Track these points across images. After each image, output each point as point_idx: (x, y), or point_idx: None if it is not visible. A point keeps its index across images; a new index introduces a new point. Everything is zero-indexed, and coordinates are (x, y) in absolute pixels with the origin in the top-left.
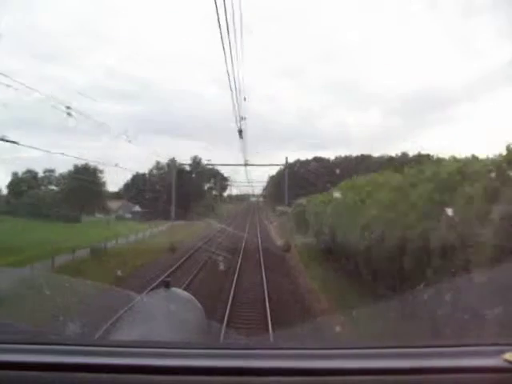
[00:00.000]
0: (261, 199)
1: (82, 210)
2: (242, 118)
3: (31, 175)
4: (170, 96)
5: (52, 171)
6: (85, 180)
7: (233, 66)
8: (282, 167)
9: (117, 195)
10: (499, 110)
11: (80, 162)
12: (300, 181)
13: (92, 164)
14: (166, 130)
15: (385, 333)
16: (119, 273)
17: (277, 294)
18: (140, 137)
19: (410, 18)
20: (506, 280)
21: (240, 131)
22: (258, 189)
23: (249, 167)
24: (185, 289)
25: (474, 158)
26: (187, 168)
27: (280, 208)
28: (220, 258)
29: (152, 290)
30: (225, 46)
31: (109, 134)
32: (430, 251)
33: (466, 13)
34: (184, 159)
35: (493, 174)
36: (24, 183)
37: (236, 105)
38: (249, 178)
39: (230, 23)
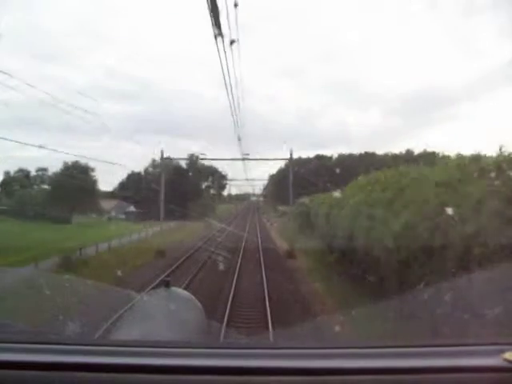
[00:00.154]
0: (261, 199)
1: (73, 211)
2: (238, 125)
3: (23, 174)
4: (170, 96)
5: (45, 170)
6: (75, 178)
7: (227, 66)
8: (283, 166)
9: (112, 195)
10: (499, 109)
11: (72, 160)
12: (300, 180)
13: (83, 161)
14: (166, 129)
15: None
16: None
17: (285, 320)
18: (140, 137)
19: (410, 17)
20: None
21: (239, 138)
22: (258, 188)
23: (249, 166)
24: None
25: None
26: (183, 166)
27: (281, 208)
28: (215, 266)
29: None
30: (219, 45)
31: (109, 134)
32: None
33: (466, 12)
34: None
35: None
36: (16, 182)
37: (233, 107)
38: (248, 176)
39: (226, 21)
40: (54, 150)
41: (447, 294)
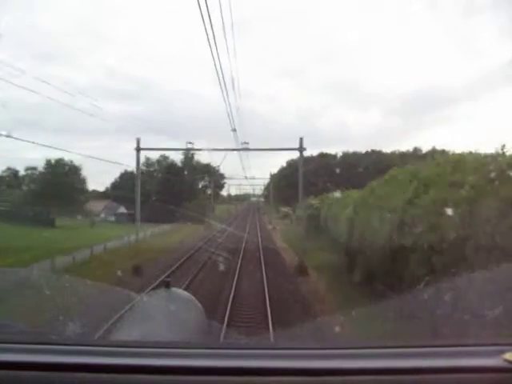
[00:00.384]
0: (261, 199)
1: (57, 213)
2: (231, 115)
3: (11, 173)
4: (170, 96)
5: (34, 169)
6: (58, 178)
7: (220, 61)
8: (284, 164)
9: (103, 195)
10: (499, 109)
11: (56, 158)
12: (297, 180)
13: (67, 159)
14: (166, 129)
15: None
16: None
17: None
18: (140, 137)
19: (410, 18)
20: None
21: (234, 129)
22: (258, 188)
23: (248, 164)
24: None
25: None
26: (179, 163)
27: (284, 209)
28: (204, 291)
29: None
30: (211, 42)
31: (109, 134)
32: None
33: (466, 12)
34: (180, 159)
35: None
36: (3, 182)
37: (226, 92)
38: (248, 174)
39: (222, 19)
40: (66, 150)
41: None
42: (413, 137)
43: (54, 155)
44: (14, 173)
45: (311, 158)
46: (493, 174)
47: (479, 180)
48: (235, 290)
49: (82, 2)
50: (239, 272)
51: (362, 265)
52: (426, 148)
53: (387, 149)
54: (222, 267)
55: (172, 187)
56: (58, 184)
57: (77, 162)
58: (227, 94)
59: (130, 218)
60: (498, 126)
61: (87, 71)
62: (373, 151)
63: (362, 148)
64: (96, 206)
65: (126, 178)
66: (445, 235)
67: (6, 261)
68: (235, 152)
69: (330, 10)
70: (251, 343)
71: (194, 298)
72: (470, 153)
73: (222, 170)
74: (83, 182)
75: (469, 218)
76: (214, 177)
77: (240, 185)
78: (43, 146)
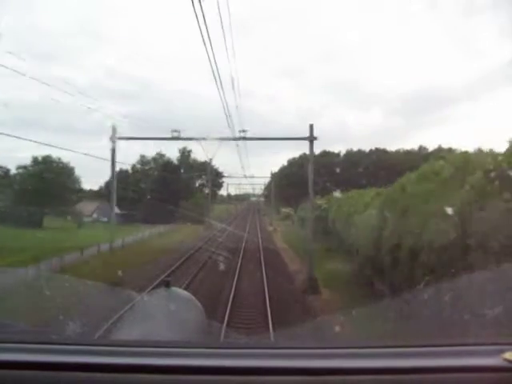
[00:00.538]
0: (261, 199)
1: (47, 213)
2: (242, 131)
3: (2, 171)
4: (170, 96)
5: (25, 167)
6: (45, 176)
7: (216, 64)
8: (286, 163)
9: (97, 195)
10: (499, 109)
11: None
12: (300, 179)
13: (55, 157)
14: (166, 129)
15: None
16: None
17: None
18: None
19: (410, 18)
20: None
21: (228, 114)
22: (259, 188)
23: (248, 163)
24: None
25: None
26: (175, 161)
27: (285, 210)
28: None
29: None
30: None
31: (109, 134)
32: None
33: (466, 12)
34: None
35: None
36: None
37: (226, 105)
38: (247, 173)
39: (221, 19)
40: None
41: None
42: (412, 137)
43: (54, 155)
44: (4, 171)
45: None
46: None
47: None
48: (230, 313)
49: (82, 2)
50: (235, 290)
51: (386, 280)
52: (428, 147)
53: (391, 147)
54: (217, 279)
55: (167, 186)
56: (46, 183)
57: (72, 161)
58: (224, 92)
59: (124, 218)
60: (498, 126)
61: (87, 71)
62: (377, 149)
63: (366, 147)
64: (88, 206)
65: (120, 177)
66: None
67: None
68: (235, 151)
69: (329, 10)
70: (251, 343)
71: (193, 297)
72: None
73: (219, 167)
74: (75, 180)
75: None
76: (212, 175)
77: (240, 184)
78: (34, 143)
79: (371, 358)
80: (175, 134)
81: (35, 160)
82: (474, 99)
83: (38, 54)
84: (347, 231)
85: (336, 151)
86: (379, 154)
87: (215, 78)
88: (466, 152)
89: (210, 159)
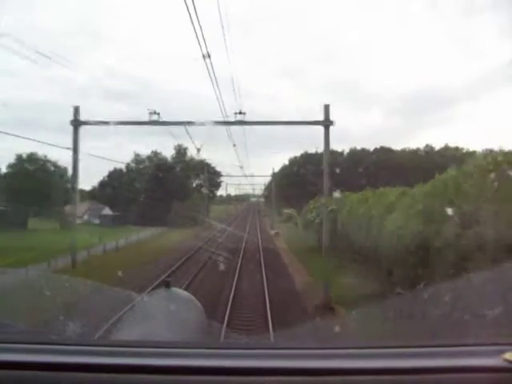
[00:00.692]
0: (262, 200)
1: (32, 214)
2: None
3: None
4: (170, 96)
5: (11, 166)
6: (30, 174)
7: (211, 63)
8: (287, 163)
9: (90, 195)
10: (500, 109)
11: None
12: (300, 178)
13: (41, 154)
14: (166, 129)
15: None
16: None
17: None
18: (140, 136)
19: (410, 17)
20: None
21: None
22: (259, 188)
23: (248, 163)
24: None
25: None
26: (170, 160)
27: (286, 211)
28: None
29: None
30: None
31: (110, 134)
32: None
33: (466, 12)
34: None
35: None
36: None
37: (220, 98)
38: (246, 171)
39: (221, 19)
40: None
41: None
42: (414, 137)
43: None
44: None
45: (315, 155)
46: None
47: None
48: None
49: (82, 2)
50: (238, 288)
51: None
52: (434, 146)
53: (396, 146)
54: (209, 297)
55: (162, 186)
56: (30, 182)
57: (66, 161)
58: (219, 91)
59: (116, 220)
60: (499, 126)
61: (87, 71)
62: (382, 148)
63: (368, 146)
64: (80, 207)
65: (114, 177)
66: None
67: None
68: (233, 151)
69: (330, 10)
70: (251, 343)
71: (193, 297)
72: None
73: (216, 166)
74: (65, 180)
75: None
76: (209, 174)
77: (239, 184)
78: (33, 143)
79: (371, 358)
80: (154, 118)
81: (19, 158)
82: (474, 99)
83: (38, 53)
84: (368, 235)
85: (339, 150)
86: (383, 153)
87: (212, 81)
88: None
89: (199, 149)
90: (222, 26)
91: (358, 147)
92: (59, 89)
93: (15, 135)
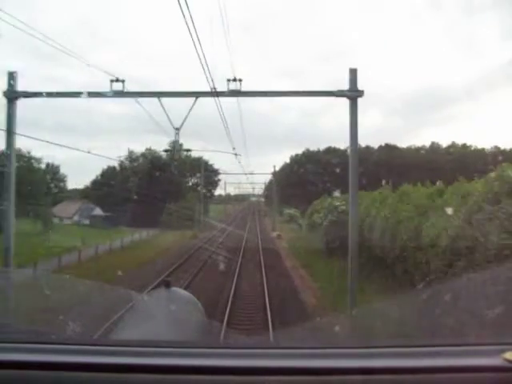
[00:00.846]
0: (262, 199)
1: (19, 214)
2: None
3: None
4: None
5: (3, 166)
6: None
7: (206, 62)
8: (288, 161)
9: (83, 194)
10: (500, 109)
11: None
12: (300, 178)
13: (25, 150)
14: (166, 129)
15: None
16: None
17: None
18: (140, 136)
19: (410, 18)
20: None
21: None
22: (258, 187)
23: (248, 162)
24: None
25: None
26: (165, 158)
27: (288, 211)
28: None
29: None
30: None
31: (109, 134)
32: None
33: (466, 12)
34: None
35: None
36: None
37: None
38: (245, 168)
39: (222, 20)
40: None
41: None
42: (416, 137)
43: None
44: None
45: (316, 154)
46: None
47: None
48: None
49: (82, 1)
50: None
51: None
52: (446, 142)
53: (402, 144)
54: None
55: (156, 184)
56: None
57: (61, 160)
58: (215, 89)
59: (107, 220)
60: (499, 126)
61: (87, 71)
62: (387, 145)
63: (374, 144)
64: (71, 207)
65: (107, 175)
66: None
67: None
68: (234, 156)
69: (330, 10)
70: (251, 343)
71: (194, 297)
72: None
73: (214, 164)
74: (60, 179)
75: None
76: (206, 172)
77: (239, 183)
78: (33, 143)
79: (371, 357)
80: (117, 87)
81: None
82: (474, 99)
83: (39, 53)
84: (395, 240)
85: (342, 148)
86: (388, 151)
87: (207, 78)
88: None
89: (177, 130)
90: (224, 27)
91: (362, 145)
92: (59, 88)
93: (17, 133)
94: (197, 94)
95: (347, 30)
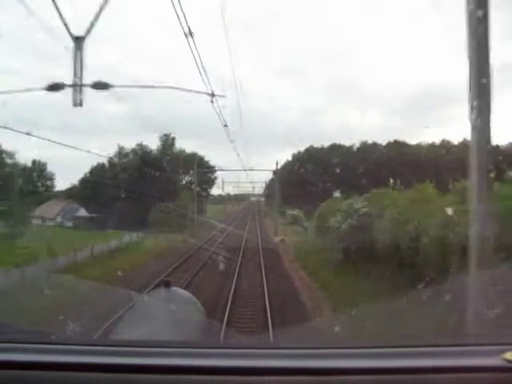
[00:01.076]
0: (262, 199)
1: None
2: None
3: None
4: (170, 96)
5: None
6: None
7: (202, 61)
8: (291, 158)
9: (68, 194)
10: (500, 109)
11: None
12: (300, 177)
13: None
14: (166, 129)
15: None
16: None
17: None
18: (140, 136)
19: (411, 17)
20: None
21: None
22: (259, 186)
23: (249, 160)
24: None
25: None
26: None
27: (292, 212)
28: None
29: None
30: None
31: (109, 134)
32: None
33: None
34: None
35: None
36: None
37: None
38: (245, 165)
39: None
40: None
41: None
42: (415, 137)
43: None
44: None
45: (320, 150)
46: None
47: None
48: None
49: (82, 1)
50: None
51: None
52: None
53: (412, 141)
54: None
55: (146, 183)
56: None
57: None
58: (211, 87)
59: (92, 222)
60: (499, 126)
61: (87, 71)
62: (396, 142)
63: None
64: (55, 208)
65: (96, 173)
66: None
67: None
68: (234, 156)
69: (330, 10)
70: (251, 343)
71: (194, 297)
72: None
73: (210, 160)
74: (39, 176)
75: None
76: (201, 168)
77: (238, 182)
78: (33, 143)
79: (371, 358)
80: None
81: None
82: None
83: (39, 53)
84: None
85: (347, 144)
86: (398, 148)
87: (202, 78)
88: None
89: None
90: (225, 27)
91: (369, 141)
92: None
93: (17, 131)
94: None
95: (347, 30)
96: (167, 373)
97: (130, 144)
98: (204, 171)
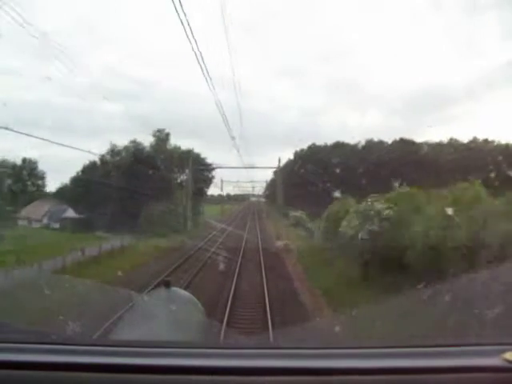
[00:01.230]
0: (262, 199)
1: None
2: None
3: None
4: (171, 96)
5: None
6: None
7: (203, 59)
8: (292, 157)
9: (57, 195)
10: (500, 109)
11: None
12: (300, 176)
13: None
14: (166, 129)
15: None
16: None
17: None
18: (139, 136)
19: (411, 18)
20: None
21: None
22: (259, 186)
23: (250, 161)
24: None
25: None
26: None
27: (294, 214)
28: None
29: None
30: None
31: (109, 134)
32: None
33: (467, 12)
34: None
35: None
36: None
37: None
38: (247, 177)
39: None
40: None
41: None
42: (415, 137)
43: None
44: None
45: (324, 148)
46: None
47: None
48: None
49: (82, 1)
50: None
51: None
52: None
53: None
54: None
55: (138, 182)
56: None
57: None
58: (214, 88)
59: (80, 224)
60: (499, 126)
61: (87, 71)
62: (402, 140)
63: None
64: (41, 209)
65: (88, 172)
66: None
67: None
68: (234, 157)
69: (330, 10)
70: (251, 343)
71: (194, 297)
72: None
73: (207, 158)
74: (29, 175)
75: None
76: (195, 165)
77: (238, 181)
78: (32, 143)
79: (371, 358)
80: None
81: None
82: (475, 99)
83: (39, 53)
84: None
85: (352, 143)
86: (405, 146)
87: (206, 78)
88: None
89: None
90: (225, 27)
91: (375, 139)
92: (57, 88)
93: (18, 131)
94: None
95: (347, 30)
96: (167, 373)
97: (124, 142)
98: (200, 169)
